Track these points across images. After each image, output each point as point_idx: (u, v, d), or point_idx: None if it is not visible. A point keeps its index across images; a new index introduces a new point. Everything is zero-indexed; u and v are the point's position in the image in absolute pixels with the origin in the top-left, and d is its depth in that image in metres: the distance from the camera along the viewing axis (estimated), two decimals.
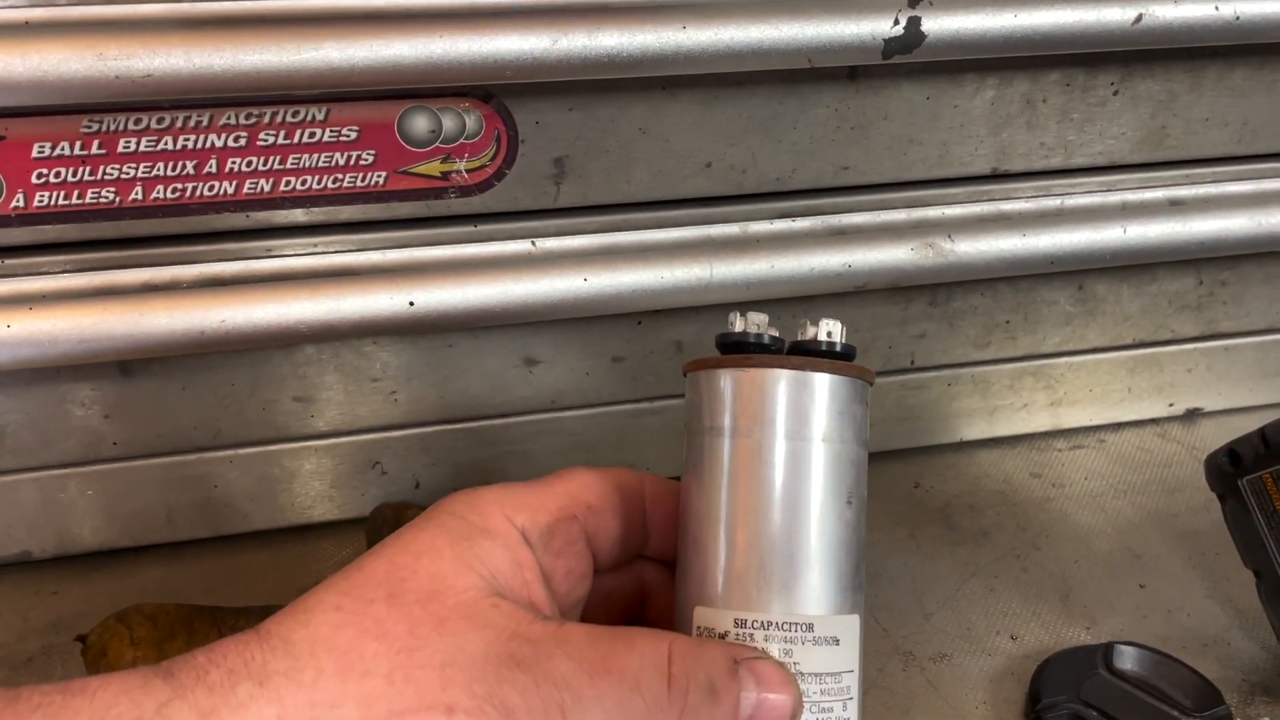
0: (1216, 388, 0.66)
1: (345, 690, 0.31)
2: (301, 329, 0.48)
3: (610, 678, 0.32)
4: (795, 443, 0.36)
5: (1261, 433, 0.48)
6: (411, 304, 0.48)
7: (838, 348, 0.38)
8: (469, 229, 0.50)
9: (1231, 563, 0.50)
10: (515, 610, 0.33)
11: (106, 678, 0.31)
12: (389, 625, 0.32)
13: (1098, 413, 0.65)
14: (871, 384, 0.38)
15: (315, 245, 0.49)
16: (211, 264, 0.48)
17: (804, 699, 0.37)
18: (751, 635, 0.36)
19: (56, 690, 0.30)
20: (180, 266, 0.47)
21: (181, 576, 0.53)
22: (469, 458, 0.56)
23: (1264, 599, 0.49)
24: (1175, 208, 0.57)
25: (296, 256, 0.48)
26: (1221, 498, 0.50)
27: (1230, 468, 0.49)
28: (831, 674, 0.38)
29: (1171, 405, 0.67)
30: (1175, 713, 0.45)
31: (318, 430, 0.54)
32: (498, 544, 0.35)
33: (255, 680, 0.31)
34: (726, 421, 0.36)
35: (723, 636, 0.36)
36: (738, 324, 0.38)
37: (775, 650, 0.37)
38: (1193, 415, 0.67)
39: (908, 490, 0.61)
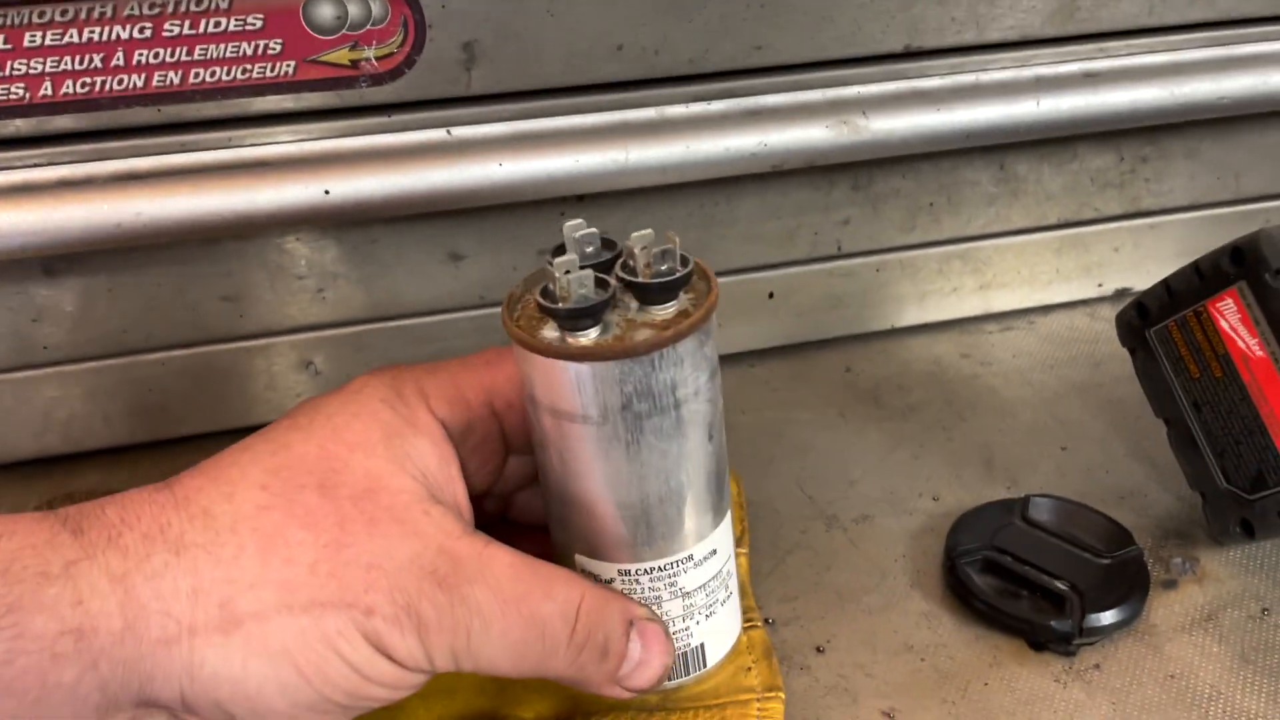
0: (1144, 266, 0.67)
1: (266, 573, 0.31)
2: (217, 222, 0.48)
3: (520, 618, 0.33)
4: (656, 419, 0.35)
5: (1165, 283, 0.49)
6: (327, 193, 0.49)
7: (678, 273, 0.35)
8: (383, 119, 0.51)
9: (1151, 423, 0.51)
10: (445, 520, 0.33)
11: (12, 525, 0.30)
12: (319, 516, 0.32)
13: (1027, 295, 0.66)
14: (716, 305, 0.36)
15: (229, 139, 0.49)
16: (126, 159, 0.48)
17: (692, 607, 0.39)
18: (637, 580, 0.38)
19: None
20: (94, 163, 0.48)
21: (121, 481, 0.54)
22: (403, 355, 0.57)
23: (1174, 447, 0.50)
24: (1089, 80, 0.58)
25: (210, 150, 0.49)
26: (1132, 351, 0.51)
27: (1138, 321, 0.50)
28: (714, 575, 0.39)
29: (1100, 285, 0.68)
30: (1087, 555, 0.46)
31: (247, 331, 0.54)
32: (425, 440, 0.35)
33: (171, 549, 0.30)
34: (576, 408, 0.35)
35: (608, 582, 0.38)
36: (559, 276, 0.34)
37: (661, 586, 0.38)
38: (1122, 295, 0.68)
39: (839, 374, 0.62)
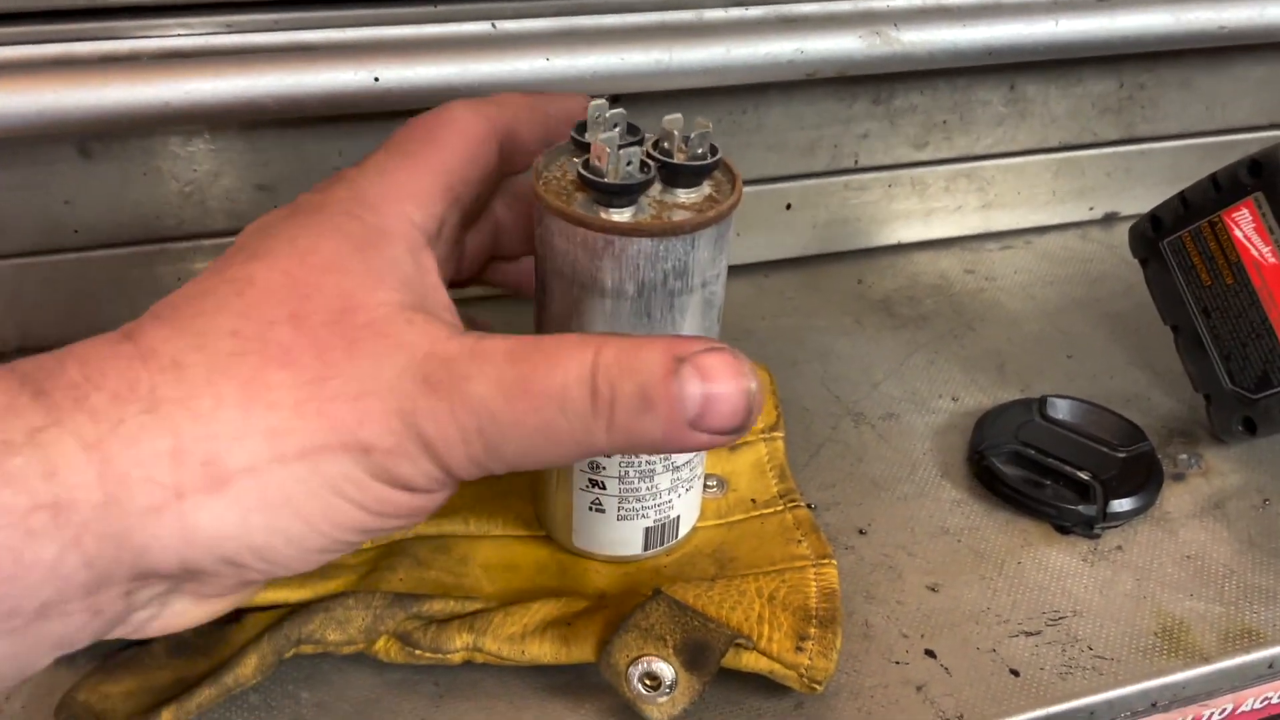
0: (1133, 192, 0.70)
1: (250, 423, 0.28)
2: (267, 102, 0.48)
3: (530, 400, 0.29)
4: (684, 298, 0.36)
5: (1181, 196, 0.51)
6: (376, 80, 0.49)
7: (710, 159, 0.36)
8: (429, 9, 0.50)
9: (1151, 335, 0.54)
10: (430, 325, 0.30)
11: None
12: (296, 351, 0.29)
13: (1024, 216, 0.69)
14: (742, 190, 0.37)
15: (277, 22, 0.48)
16: (170, 38, 0.47)
17: (678, 480, 0.40)
18: (636, 454, 0.39)
19: None
20: (139, 40, 0.47)
21: None
22: None
23: (1181, 351, 0.53)
24: (1102, 4, 0.60)
25: (257, 33, 0.48)
26: (1144, 262, 0.54)
27: (1152, 232, 0.53)
28: (697, 453, 0.41)
29: (1091, 209, 0.71)
30: (1104, 448, 0.49)
31: None
32: (402, 249, 0.32)
33: (144, 408, 0.27)
34: (614, 282, 0.35)
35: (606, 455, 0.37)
36: (610, 153, 0.34)
37: (657, 459, 0.40)
38: (1110, 219, 0.71)
39: (851, 285, 0.64)
